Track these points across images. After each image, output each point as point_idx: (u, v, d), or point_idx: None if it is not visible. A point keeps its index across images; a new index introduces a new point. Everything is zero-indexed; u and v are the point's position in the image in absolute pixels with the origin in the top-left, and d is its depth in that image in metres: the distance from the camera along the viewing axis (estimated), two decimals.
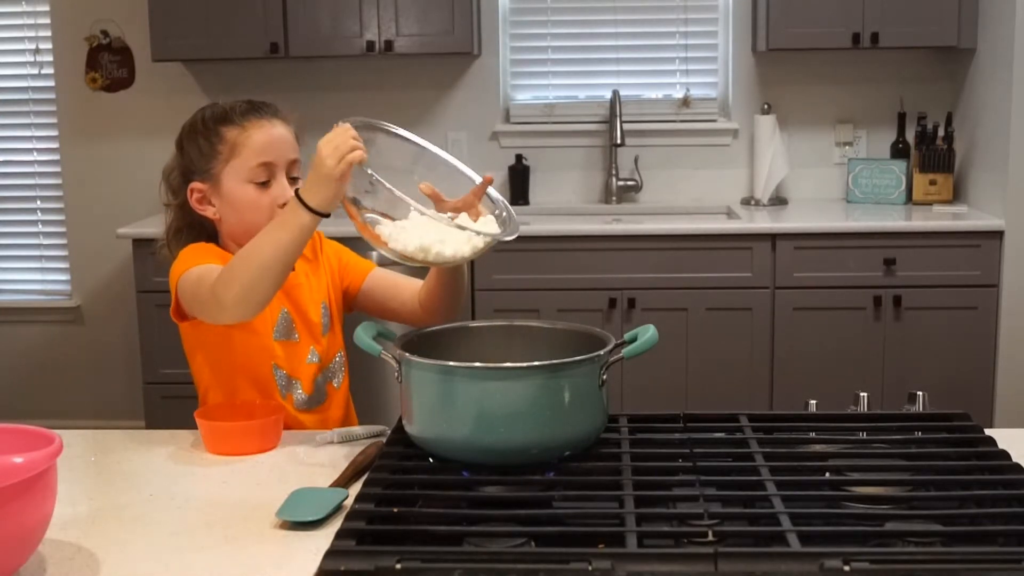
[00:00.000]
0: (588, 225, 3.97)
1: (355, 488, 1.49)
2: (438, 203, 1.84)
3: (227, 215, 1.98)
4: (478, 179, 1.84)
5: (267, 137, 1.96)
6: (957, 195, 4.19)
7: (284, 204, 1.90)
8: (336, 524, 1.37)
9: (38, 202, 4.67)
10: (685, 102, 4.42)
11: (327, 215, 1.74)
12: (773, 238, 3.84)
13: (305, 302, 2.03)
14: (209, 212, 1.98)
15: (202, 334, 1.97)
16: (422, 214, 1.67)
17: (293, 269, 1.84)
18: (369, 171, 1.67)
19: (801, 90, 4.37)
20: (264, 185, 1.95)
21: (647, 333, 1.60)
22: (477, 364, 1.55)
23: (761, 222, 3.97)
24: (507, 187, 4.43)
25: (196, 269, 1.87)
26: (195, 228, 2.05)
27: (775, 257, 3.84)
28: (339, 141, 1.70)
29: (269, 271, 1.72)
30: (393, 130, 1.87)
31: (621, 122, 4.26)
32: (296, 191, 1.73)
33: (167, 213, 2.08)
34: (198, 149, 1.97)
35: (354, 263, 2.16)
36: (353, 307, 2.17)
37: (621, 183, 4.39)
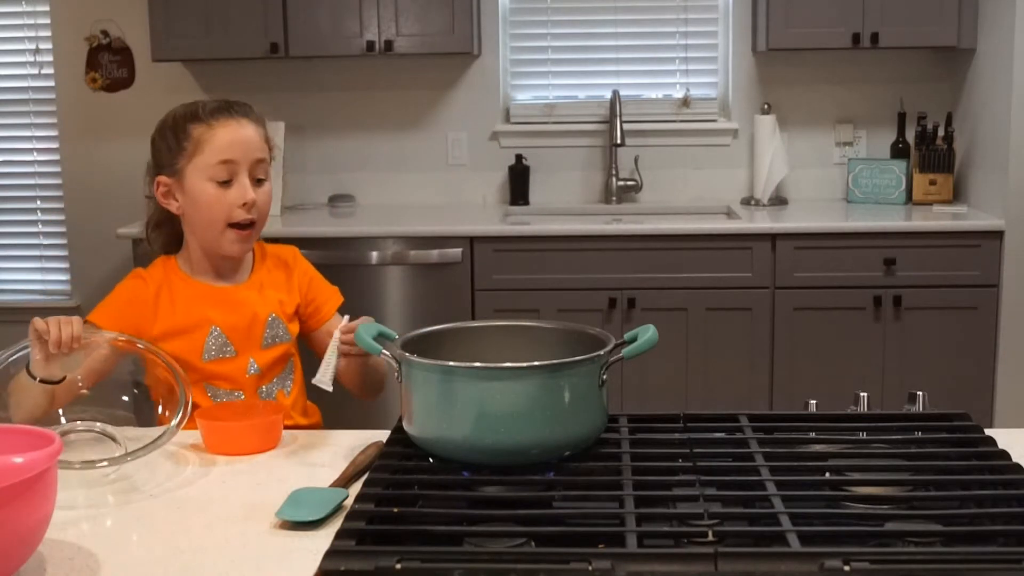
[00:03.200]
0: (588, 225, 3.97)
1: (355, 488, 1.49)
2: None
3: (189, 211, 2.02)
4: None
5: (231, 136, 1.98)
6: (957, 195, 4.19)
7: (244, 204, 1.97)
8: (336, 524, 1.37)
9: (38, 202, 4.67)
10: (685, 102, 4.42)
11: (56, 382, 1.79)
12: (773, 238, 3.84)
13: (247, 316, 2.05)
14: (173, 207, 2.03)
15: None
16: None
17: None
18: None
19: (801, 90, 4.37)
20: (226, 184, 1.99)
21: (647, 333, 1.60)
22: (477, 364, 1.55)
23: (761, 222, 3.97)
24: (507, 187, 4.43)
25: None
26: (174, 221, 2.08)
27: (775, 257, 3.84)
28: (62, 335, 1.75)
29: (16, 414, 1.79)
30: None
31: (621, 122, 4.26)
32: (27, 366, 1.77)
33: (148, 206, 2.13)
34: (166, 144, 2.01)
35: (322, 302, 2.17)
36: (301, 337, 2.19)
37: (621, 183, 4.39)
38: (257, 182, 2.01)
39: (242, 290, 2.07)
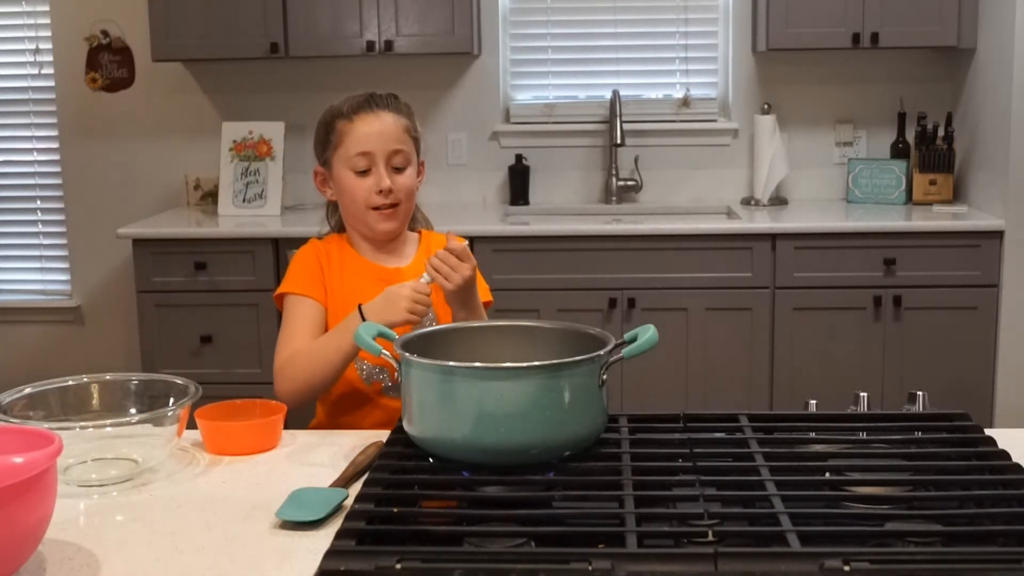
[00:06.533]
0: (588, 225, 3.97)
1: (355, 488, 1.49)
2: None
3: (339, 197, 2.24)
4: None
5: (368, 129, 2.16)
6: (957, 195, 4.19)
7: (381, 191, 2.15)
8: (336, 524, 1.37)
9: (38, 202, 4.67)
10: (685, 102, 4.42)
11: None
12: (773, 238, 3.84)
13: None
14: (327, 194, 2.26)
15: None
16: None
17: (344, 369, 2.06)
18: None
19: (801, 90, 4.37)
20: (364, 173, 2.17)
21: (647, 333, 1.60)
22: (477, 364, 1.55)
23: (761, 222, 3.97)
24: (507, 187, 4.43)
25: (289, 308, 2.15)
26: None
27: (775, 257, 3.84)
28: (419, 305, 1.97)
29: (325, 372, 2.03)
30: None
31: (621, 122, 4.26)
32: (360, 306, 1.99)
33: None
34: (319, 138, 2.24)
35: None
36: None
37: (621, 183, 4.39)
38: (395, 170, 2.18)
39: (403, 273, 2.20)
